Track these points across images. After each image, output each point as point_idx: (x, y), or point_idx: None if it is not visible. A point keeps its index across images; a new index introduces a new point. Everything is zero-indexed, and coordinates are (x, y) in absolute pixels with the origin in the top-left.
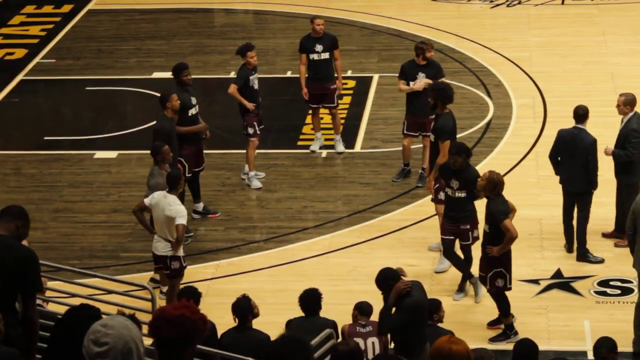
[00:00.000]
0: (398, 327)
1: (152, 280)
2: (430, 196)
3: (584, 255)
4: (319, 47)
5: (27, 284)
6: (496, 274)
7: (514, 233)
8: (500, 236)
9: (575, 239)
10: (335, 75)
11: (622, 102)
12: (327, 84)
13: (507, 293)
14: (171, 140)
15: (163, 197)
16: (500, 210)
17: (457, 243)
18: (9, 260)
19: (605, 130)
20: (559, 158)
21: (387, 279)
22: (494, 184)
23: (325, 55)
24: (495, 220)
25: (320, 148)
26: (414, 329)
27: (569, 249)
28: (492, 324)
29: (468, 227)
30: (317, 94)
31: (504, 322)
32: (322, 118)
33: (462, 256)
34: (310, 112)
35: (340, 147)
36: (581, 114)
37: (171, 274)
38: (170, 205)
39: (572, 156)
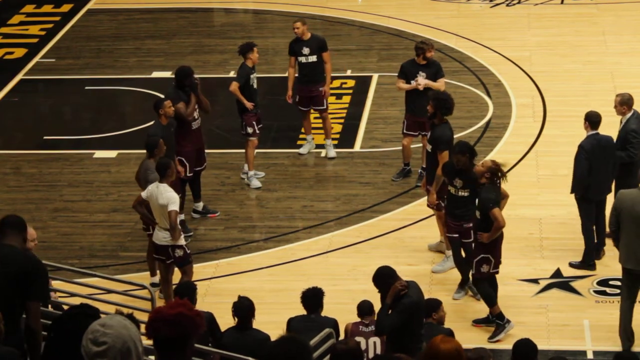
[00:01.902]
0: (396, 327)
1: (152, 285)
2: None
3: (603, 253)
4: (305, 50)
5: (31, 292)
6: (482, 259)
7: (501, 222)
8: (489, 223)
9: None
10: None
11: (618, 102)
12: (314, 87)
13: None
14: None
15: (156, 187)
16: (490, 198)
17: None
18: (18, 270)
19: (605, 130)
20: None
21: (385, 276)
22: (492, 174)
23: (313, 58)
24: (484, 208)
25: (310, 151)
26: (409, 329)
27: (599, 255)
28: (478, 322)
29: (471, 225)
30: (306, 96)
31: (491, 312)
32: (317, 118)
33: (463, 254)
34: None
35: (331, 152)
36: (598, 120)
37: (177, 261)
38: (162, 194)
39: (604, 162)
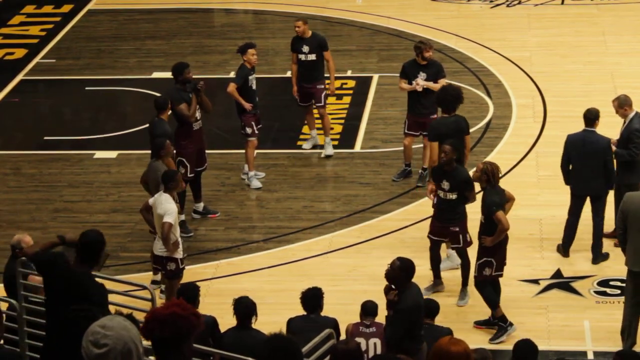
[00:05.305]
0: (403, 333)
1: (153, 282)
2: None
3: (601, 257)
4: (305, 48)
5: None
6: (485, 262)
7: (505, 224)
8: (493, 227)
9: (570, 241)
10: (327, 75)
11: (616, 106)
12: (311, 84)
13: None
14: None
15: (159, 196)
16: (494, 202)
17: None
18: None
19: (605, 130)
20: (570, 165)
21: (410, 270)
22: (487, 175)
23: (312, 57)
24: (488, 211)
25: (314, 147)
26: (409, 331)
27: (566, 253)
28: (479, 324)
29: (457, 229)
30: (304, 92)
31: (494, 314)
32: (317, 117)
33: (458, 260)
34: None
35: (330, 150)
36: (592, 117)
37: (167, 275)
38: (162, 204)
39: (587, 159)
